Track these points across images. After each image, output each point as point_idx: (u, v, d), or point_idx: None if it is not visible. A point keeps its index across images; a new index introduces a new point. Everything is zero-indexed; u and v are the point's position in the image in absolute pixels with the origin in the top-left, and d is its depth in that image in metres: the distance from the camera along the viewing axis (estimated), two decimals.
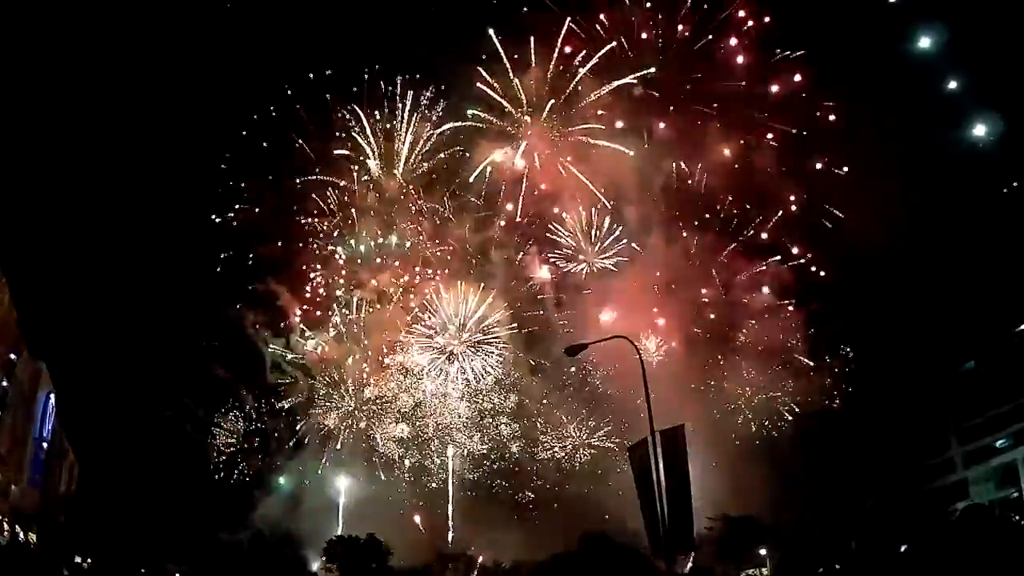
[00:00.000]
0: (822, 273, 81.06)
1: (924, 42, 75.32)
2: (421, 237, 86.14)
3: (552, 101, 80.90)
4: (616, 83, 79.82)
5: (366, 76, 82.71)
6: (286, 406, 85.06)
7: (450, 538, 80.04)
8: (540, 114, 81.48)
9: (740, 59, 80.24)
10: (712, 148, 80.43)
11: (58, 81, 75.55)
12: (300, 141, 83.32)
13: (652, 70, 79.77)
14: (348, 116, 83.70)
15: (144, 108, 79.31)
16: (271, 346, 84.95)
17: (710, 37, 79.90)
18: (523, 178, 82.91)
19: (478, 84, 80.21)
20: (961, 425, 79.51)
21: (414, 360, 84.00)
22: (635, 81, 79.72)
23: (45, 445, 73.97)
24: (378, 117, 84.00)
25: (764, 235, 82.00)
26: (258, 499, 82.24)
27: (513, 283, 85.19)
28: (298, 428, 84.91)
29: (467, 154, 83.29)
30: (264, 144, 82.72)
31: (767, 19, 79.81)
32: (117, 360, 76.94)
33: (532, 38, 78.30)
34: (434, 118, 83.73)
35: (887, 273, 76.06)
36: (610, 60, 79.71)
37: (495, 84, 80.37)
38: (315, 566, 74.65)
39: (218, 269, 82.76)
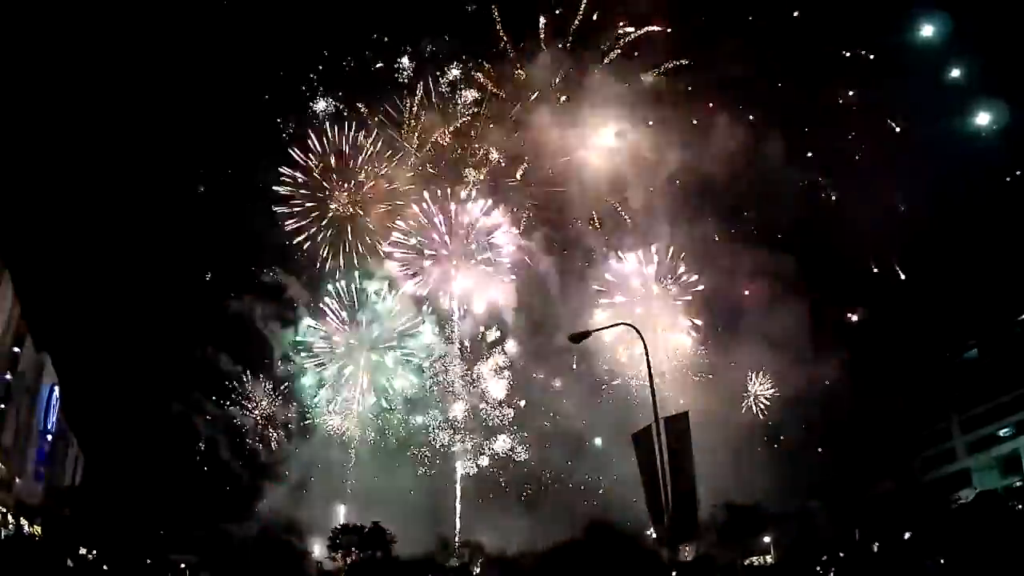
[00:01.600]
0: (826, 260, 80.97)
1: (929, 30, 75.27)
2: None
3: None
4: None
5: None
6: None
7: (456, 526, 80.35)
8: (548, 100, 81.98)
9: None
10: (721, 136, 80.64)
11: (55, 75, 75.41)
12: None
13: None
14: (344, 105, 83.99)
15: (143, 97, 79.04)
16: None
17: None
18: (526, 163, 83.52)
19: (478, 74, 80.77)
20: (964, 414, 79.43)
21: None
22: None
23: (49, 437, 74.18)
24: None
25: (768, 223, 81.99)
26: (264, 489, 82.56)
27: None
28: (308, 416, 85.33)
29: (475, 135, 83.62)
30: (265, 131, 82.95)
31: None
32: (121, 351, 76.99)
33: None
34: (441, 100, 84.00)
35: (890, 261, 76.14)
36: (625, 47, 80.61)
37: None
38: (320, 555, 74.92)
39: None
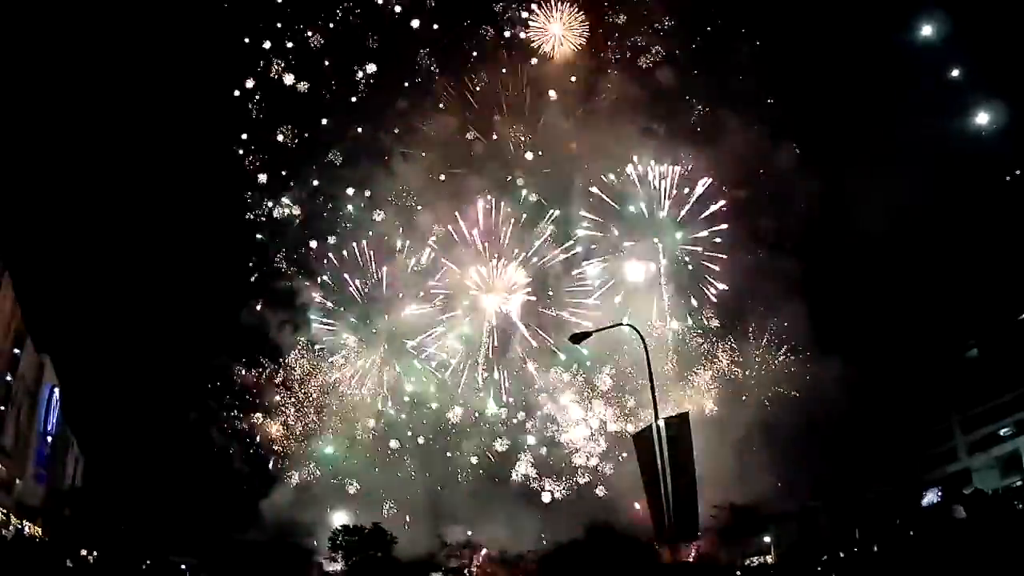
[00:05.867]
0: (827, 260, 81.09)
1: (929, 30, 75.35)
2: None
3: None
4: None
5: None
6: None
7: (455, 527, 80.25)
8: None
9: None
10: (728, 139, 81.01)
11: (57, 75, 75.52)
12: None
13: None
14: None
15: (148, 98, 79.26)
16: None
17: None
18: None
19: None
20: (964, 413, 79.28)
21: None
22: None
23: (49, 439, 74.14)
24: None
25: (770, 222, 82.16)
26: (265, 490, 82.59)
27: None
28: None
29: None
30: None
31: None
32: (120, 353, 77.11)
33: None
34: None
35: (891, 260, 76.05)
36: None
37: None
38: (320, 555, 74.93)
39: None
